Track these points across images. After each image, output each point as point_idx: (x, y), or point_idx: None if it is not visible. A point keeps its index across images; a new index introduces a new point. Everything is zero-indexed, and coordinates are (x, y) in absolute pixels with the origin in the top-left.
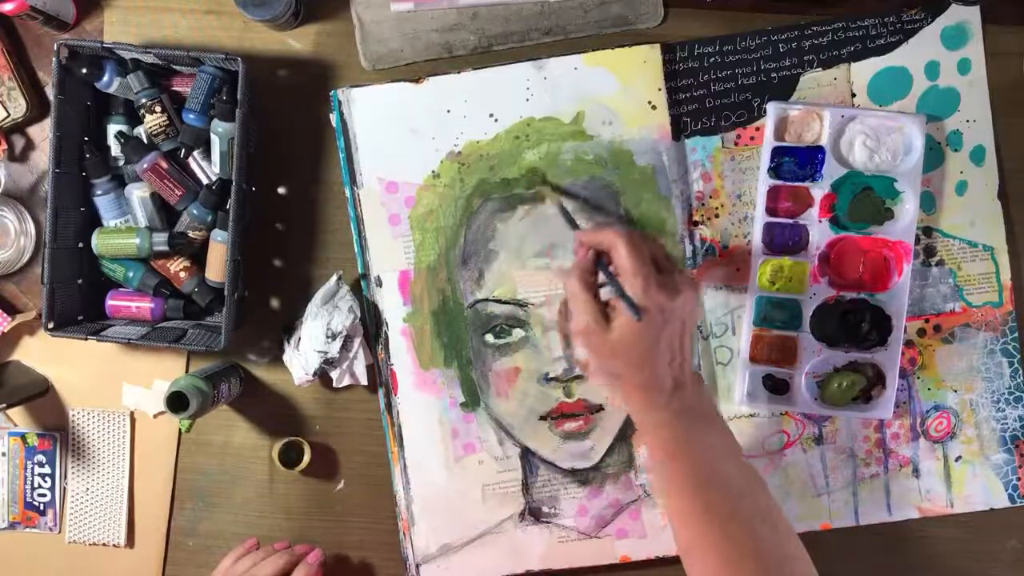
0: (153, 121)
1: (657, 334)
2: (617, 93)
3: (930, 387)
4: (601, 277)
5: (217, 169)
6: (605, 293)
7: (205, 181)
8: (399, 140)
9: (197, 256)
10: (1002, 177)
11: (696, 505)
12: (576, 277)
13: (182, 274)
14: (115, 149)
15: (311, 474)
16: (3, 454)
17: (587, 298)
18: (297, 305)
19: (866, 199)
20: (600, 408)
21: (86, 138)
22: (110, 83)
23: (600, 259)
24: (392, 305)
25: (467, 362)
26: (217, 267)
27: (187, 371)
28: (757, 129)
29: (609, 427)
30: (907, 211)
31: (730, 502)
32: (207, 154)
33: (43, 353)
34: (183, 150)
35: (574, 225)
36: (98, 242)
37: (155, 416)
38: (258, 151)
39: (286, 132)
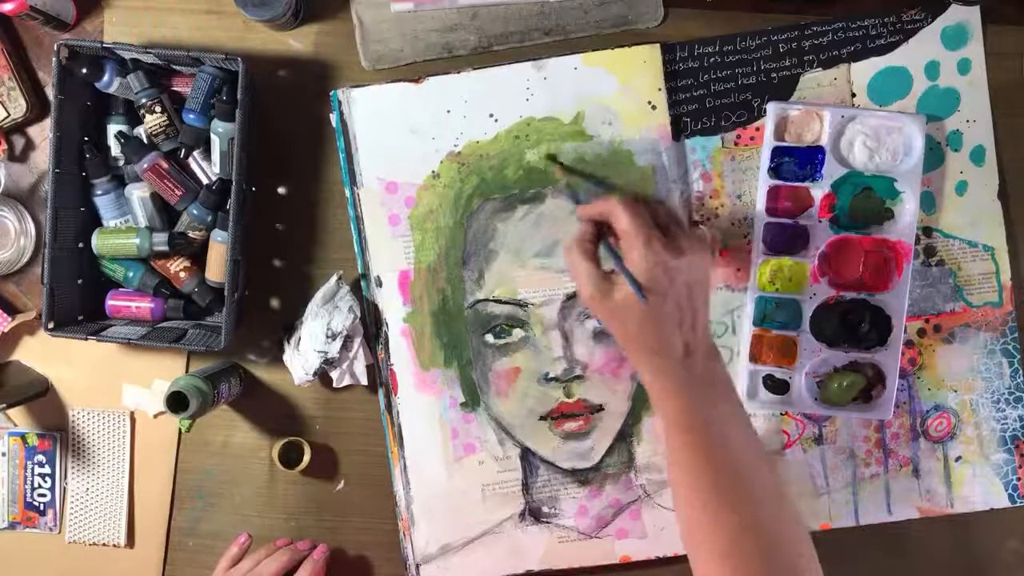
0: (153, 121)
1: (662, 296)
2: (617, 93)
3: (930, 387)
4: (603, 252)
5: (217, 169)
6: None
7: (205, 181)
8: (399, 140)
9: (197, 256)
10: (1002, 177)
11: (701, 480)
12: (575, 248)
13: (182, 274)
14: (115, 149)
15: (311, 474)
16: (3, 454)
17: (587, 267)
18: (297, 305)
19: (866, 199)
20: (600, 408)
21: (86, 138)
22: (110, 83)
23: (604, 238)
24: (392, 305)
25: (467, 362)
26: (217, 267)
27: (187, 371)
28: (757, 129)
29: (609, 427)
30: (907, 211)
31: (736, 480)
32: (207, 154)
33: (43, 353)
34: (183, 150)
35: (577, 202)
36: (98, 242)
37: (155, 416)
38: (258, 151)
39: (286, 132)
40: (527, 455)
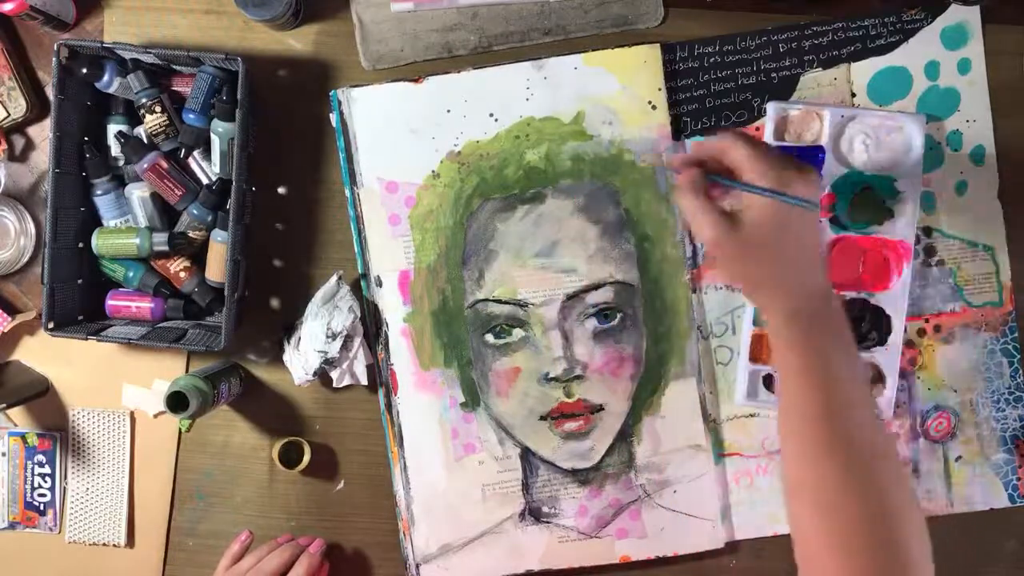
0: (153, 121)
1: (789, 226)
2: (617, 93)
3: (930, 387)
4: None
5: (217, 169)
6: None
7: (205, 181)
8: (399, 140)
9: (197, 256)
10: (1002, 177)
11: (823, 437)
12: (687, 190)
13: (182, 274)
14: (115, 149)
15: (311, 474)
16: (3, 454)
17: (704, 204)
18: (297, 305)
19: (866, 199)
20: (600, 408)
21: (86, 138)
22: (110, 83)
23: (710, 175)
24: (392, 305)
25: (467, 362)
26: (217, 267)
27: (187, 371)
28: (757, 129)
29: (609, 427)
30: (907, 211)
31: (858, 437)
32: (207, 154)
33: (43, 353)
34: (183, 150)
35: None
36: (98, 242)
37: (155, 416)
38: (258, 151)
39: (286, 132)
40: (527, 455)
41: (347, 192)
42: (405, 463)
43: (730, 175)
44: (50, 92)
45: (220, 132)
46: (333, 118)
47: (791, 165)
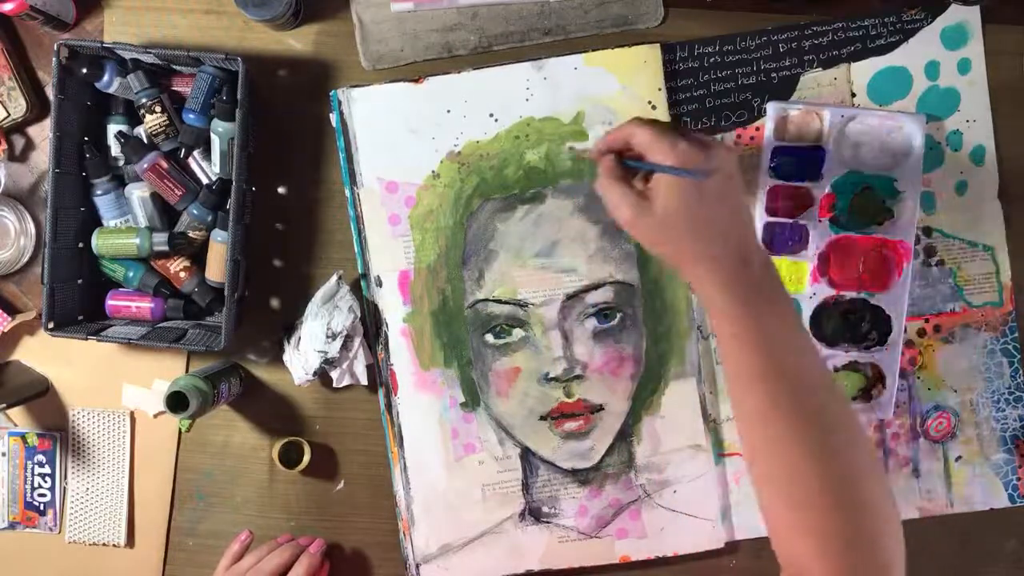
0: (153, 121)
1: (700, 198)
2: (617, 93)
3: (930, 387)
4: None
5: (217, 169)
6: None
7: (205, 181)
8: (399, 140)
9: (197, 256)
10: (1002, 177)
11: (766, 401)
12: (604, 176)
13: (182, 274)
14: (115, 149)
15: (311, 474)
16: (3, 454)
17: (621, 189)
18: (297, 305)
19: (866, 199)
20: (600, 408)
21: (86, 138)
22: (110, 83)
23: (625, 159)
24: (392, 305)
25: (467, 362)
26: (217, 267)
27: (187, 371)
28: (757, 129)
29: (609, 427)
30: (907, 211)
31: (804, 400)
32: (207, 154)
33: (43, 353)
34: (183, 150)
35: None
36: (98, 242)
37: (155, 416)
38: (258, 151)
39: (286, 132)
40: (527, 455)
41: (347, 192)
42: (405, 463)
43: (642, 159)
44: (50, 92)
45: (220, 132)
46: (333, 118)
47: (690, 141)
